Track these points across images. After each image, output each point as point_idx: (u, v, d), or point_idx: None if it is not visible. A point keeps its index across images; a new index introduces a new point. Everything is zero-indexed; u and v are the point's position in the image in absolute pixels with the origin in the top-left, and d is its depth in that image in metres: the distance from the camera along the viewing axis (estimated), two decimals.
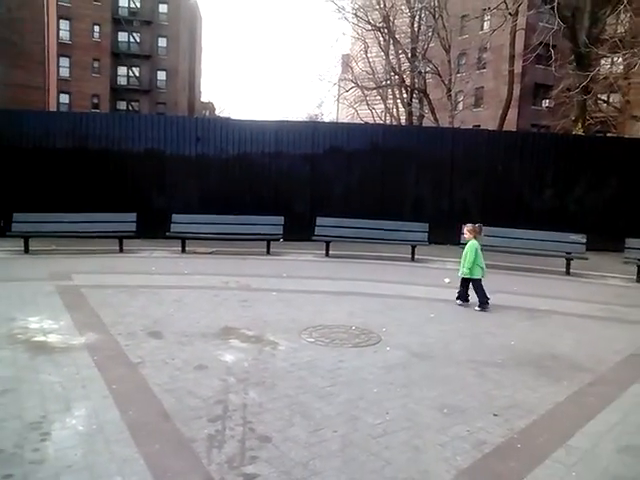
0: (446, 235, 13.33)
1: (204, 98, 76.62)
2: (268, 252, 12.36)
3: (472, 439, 3.89)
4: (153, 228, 12.95)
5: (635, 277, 10.89)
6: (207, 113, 70.46)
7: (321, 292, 8.60)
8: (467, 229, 8.09)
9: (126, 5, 50.10)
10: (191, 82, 61.40)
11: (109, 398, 4.28)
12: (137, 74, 50.49)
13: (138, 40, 50.22)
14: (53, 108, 43.03)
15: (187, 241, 12.28)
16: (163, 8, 50.92)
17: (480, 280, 7.85)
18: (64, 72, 46.35)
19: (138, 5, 49.88)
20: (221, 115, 67.71)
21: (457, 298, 8.06)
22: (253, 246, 12.65)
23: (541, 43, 21.33)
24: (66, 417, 3.94)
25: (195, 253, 12.10)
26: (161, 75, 51.40)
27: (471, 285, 7.94)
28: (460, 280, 8.08)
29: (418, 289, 8.93)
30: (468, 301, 7.99)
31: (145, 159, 14.43)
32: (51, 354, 5.24)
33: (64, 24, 45.88)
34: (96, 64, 47.08)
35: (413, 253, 12.19)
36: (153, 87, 50.96)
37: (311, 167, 14.95)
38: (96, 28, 47.04)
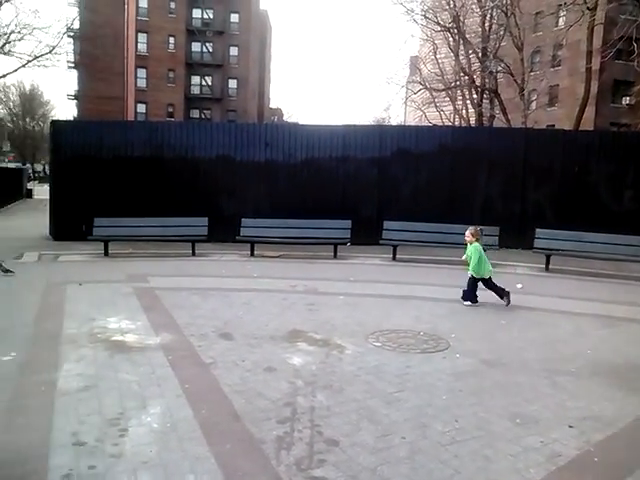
0: (518, 239, 12.88)
1: (273, 104, 78.08)
2: (335, 256, 12.40)
3: (546, 451, 3.74)
4: (223, 232, 13.27)
5: None
6: (275, 119, 71.66)
7: (388, 296, 8.54)
8: (470, 232, 8.23)
9: (199, 16, 51.83)
10: (260, 89, 62.74)
11: (182, 397, 4.43)
12: (209, 83, 52.10)
13: (210, 50, 51.81)
14: (131, 118, 45.23)
15: (256, 245, 12.52)
16: (234, 18, 52.29)
17: (490, 279, 8.07)
18: (141, 83, 48.67)
19: (211, 16, 51.48)
20: (289, 120, 68.76)
21: (463, 299, 8.12)
22: (321, 250, 12.73)
23: (622, 37, 20.25)
24: (142, 414, 4.11)
25: (263, 257, 12.32)
26: (232, 83, 52.78)
27: (482, 285, 8.10)
28: (469, 280, 8.16)
29: (488, 295, 8.68)
30: (477, 301, 8.06)
31: (216, 165, 14.83)
32: (128, 353, 5.48)
33: (142, 37, 48.19)
34: (171, 74, 49.05)
35: None
36: (224, 95, 52.41)
37: (378, 170, 14.88)
38: (171, 40, 49.03)
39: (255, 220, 12.93)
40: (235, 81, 52.88)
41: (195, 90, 52.32)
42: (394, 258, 12.21)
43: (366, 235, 13.19)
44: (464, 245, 8.51)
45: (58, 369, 4.96)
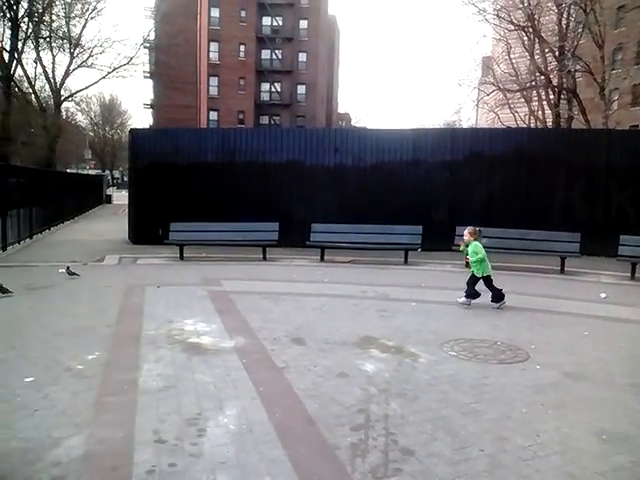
0: (601, 246, 12.26)
1: (340, 109, 78.38)
2: (406, 262, 12.25)
3: (638, 471, 3.51)
4: (293, 237, 13.40)
5: None
6: (343, 124, 71.95)
7: (458, 304, 8.32)
8: (468, 231, 8.33)
9: (269, 24, 52.86)
10: (329, 94, 63.14)
11: (257, 400, 4.48)
12: (279, 89, 52.98)
13: (280, 57, 52.70)
14: (203, 125, 46.65)
15: (326, 250, 12.57)
16: (303, 24, 52.95)
17: (490, 277, 8.11)
18: (213, 91, 50.13)
19: (280, 23, 52.37)
20: (357, 125, 68.79)
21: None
22: (391, 255, 12.61)
23: None
24: (219, 415, 4.18)
25: (333, 262, 12.34)
26: (301, 89, 53.43)
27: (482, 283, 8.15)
28: (469, 279, 8.27)
29: (569, 304, 8.31)
30: (475, 299, 8.16)
31: (286, 170, 15.03)
32: (204, 355, 5.61)
33: (214, 46, 49.67)
34: (242, 82, 50.25)
35: (563, 265, 11.37)
36: (293, 101, 53.13)
37: (450, 174, 14.60)
38: (242, 48, 50.25)
39: (325, 225, 12.97)
40: (304, 87, 53.49)
41: (265, 97, 53.34)
42: (467, 265, 11.89)
43: (437, 241, 12.94)
44: (460, 247, 8.87)
45: (139, 369, 5.15)
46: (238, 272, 10.93)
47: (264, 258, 12.48)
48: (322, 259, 12.48)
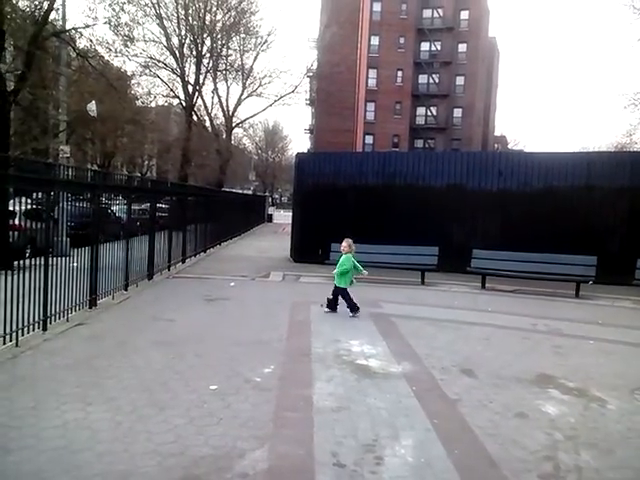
0: None
1: (497, 132, 75.57)
2: (577, 295, 11.30)
3: None
4: (452, 262, 13.01)
5: None
6: (499, 147, 69.19)
7: None
8: (346, 243, 8.96)
9: (427, 49, 52.82)
10: (485, 117, 61.21)
11: (432, 432, 4.33)
12: (434, 113, 52.54)
13: (437, 81, 52.32)
14: (359, 149, 47.73)
15: (487, 277, 12.03)
16: (462, 48, 52.10)
17: (346, 289, 8.66)
18: (369, 116, 51.16)
19: (438, 47, 52.08)
20: (514, 148, 65.79)
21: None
22: (558, 287, 11.71)
23: None
24: (395, 445, 4.10)
25: (495, 290, 11.76)
26: (457, 112, 52.47)
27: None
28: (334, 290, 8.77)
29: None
30: (336, 310, 8.71)
31: (446, 194, 14.72)
32: (373, 379, 5.58)
33: (372, 73, 50.82)
34: (398, 106, 50.66)
35: None
36: (449, 125, 52.33)
37: (630, 202, 13.27)
38: (399, 73, 50.75)
39: (488, 252, 12.45)
40: (460, 110, 52.46)
41: (420, 120, 53.17)
42: None
43: (613, 273, 11.81)
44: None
45: (312, 386, 5.26)
46: (397, 295, 10.85)
47: (422, 282, 12.27)
48: (483, 286, 11.96)
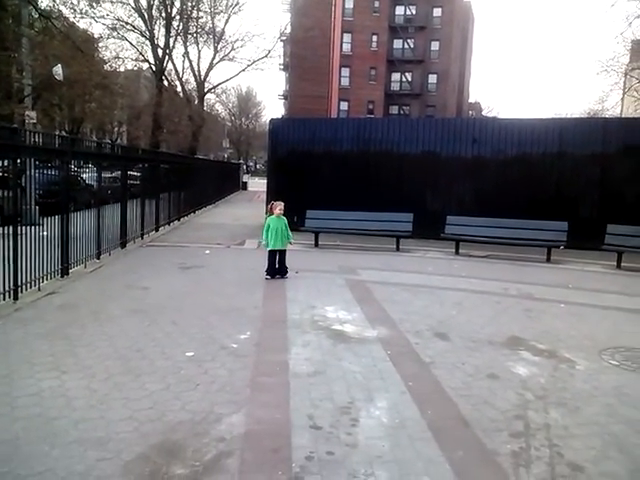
0: None
1: (472, 98, 75.58)
2: (549, 260, 11.51)
3: None
4: (426, 228, 13.09)
5: None
6: (474, 114, 69.30)
7: (616, 308, 7.65)
8: (281, 207, 8.80)
9: (402, 13, 52.09)
10: (460, 84, 61.05)
11: (407, 394, 4.41)
12: (409, 79, 52.18)
13: (412, 46, 51.80)
14: (334, 115, 47.18)
15: (460, 243, 12.17)
16: (437, 12, 51.52)
17: (271, 251, 8.78)
18: (344, 81, 50.48)
19: (414, 12, 51.42)
20: (488, 115, 65.98)
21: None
22: (530, 252, 11.91)
23: None
24: (370, 407, 4.17)
25: (469, 256, 11.91)
26: (432, 79, 52.19)
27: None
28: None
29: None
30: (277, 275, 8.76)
31: (421, 161, 14.73)
32: (349, 343, 5.64)
33: (346, 37, 49.95)
34: (373, 72, 50.13)
35: None
36: (424, 91, 52.06)
37: (601, 168, 13.47)
38: (374, 38, 50.06)
39: (461, 218, 12.56)
40: (435, 76, 52.19)
41: (395, 86, 52.78)
42: (619, 266, 10.94)
43: (585, 238, 12.05)
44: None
45: (288, 352, 5.29)
46: (373, 262, 10.92)
47: (397, 249, 12.36)
48: (457, 252, 12.10)
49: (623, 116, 35.15)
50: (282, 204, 8.92)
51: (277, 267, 8.78)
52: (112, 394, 4.21)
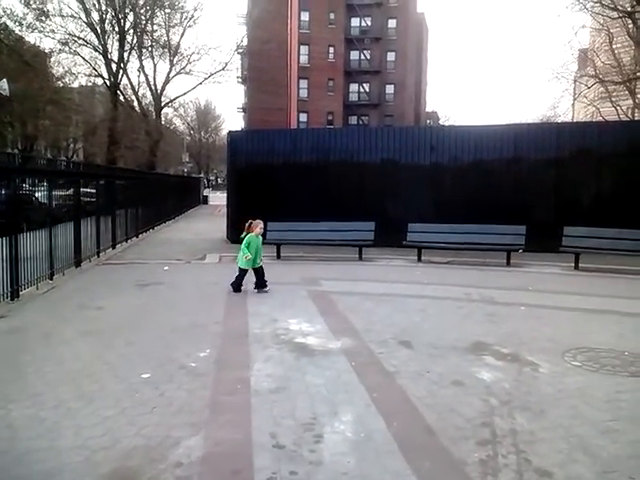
0: None
1: (429, 108, 76.88)
2: (508, 263, 11.65)
3: None
4: (388, 236, 13.07)
5: None
6: (431, 122, 70.49)
7: (576, 309, 7.74)
8: (261, 226, 8.84)
9: (357, 25, 52.73)
10: (417, 93, 62.07)
11: (372, 407, 4.30)
12: (367, 89, 52.73)
13: (368, 57, 52.42)
14: (294, 126, 47.25)
15: (423, 250, 12.22)
16: (392, 23, 52.34)
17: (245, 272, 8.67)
18: (303, 93, 50.62)
19: (369, 23, 52.11)
20: (445, 124, 67.18)
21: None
22: (490, 257, 12.05)
23: None
24: (334, 421, 4.04)
25: (431, 262, 11.97)
26: (389, 89, 52.87)
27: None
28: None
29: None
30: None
31: (381, 169, 14.79)
32: (312, 356, 5.52)
33: (303, 49, 50.18)
34: (331, 83, 50.49)
35: None
36: (382, 101, 52.68)
37: (555, 172, 13.78)
38: (331, 49, 50.48)
39: (422, 225, 12.61)
40: (392, 86, 52.89)
41: (353, 97, 53.25)
42: (577, 267, 11.15)
43: (543, 241, 12.22)
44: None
45: (249, 368, 5.13)
46: (335, 272, 10.84)
47: (360, 258, 12.33)
48: (419, 259, 12.14)
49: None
50: (262, 222, 8.87)
51: (258, 282, 8.67)
52: (62, 422, 3.98)
